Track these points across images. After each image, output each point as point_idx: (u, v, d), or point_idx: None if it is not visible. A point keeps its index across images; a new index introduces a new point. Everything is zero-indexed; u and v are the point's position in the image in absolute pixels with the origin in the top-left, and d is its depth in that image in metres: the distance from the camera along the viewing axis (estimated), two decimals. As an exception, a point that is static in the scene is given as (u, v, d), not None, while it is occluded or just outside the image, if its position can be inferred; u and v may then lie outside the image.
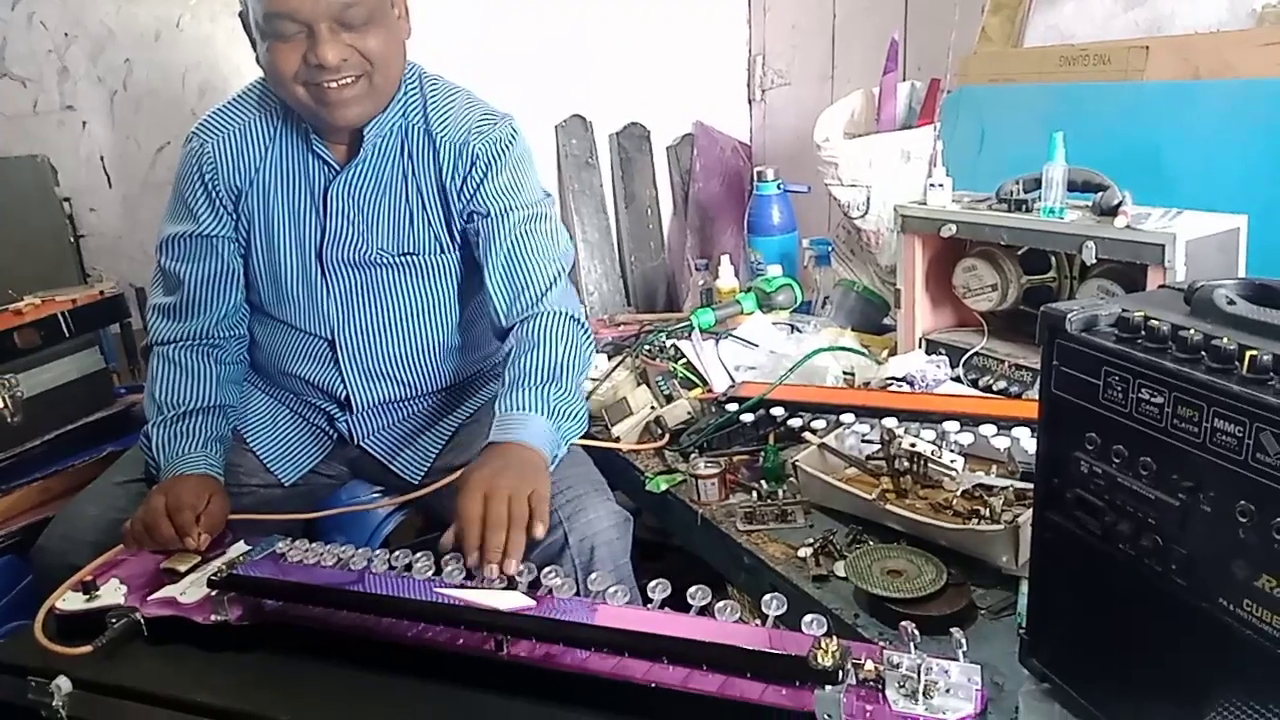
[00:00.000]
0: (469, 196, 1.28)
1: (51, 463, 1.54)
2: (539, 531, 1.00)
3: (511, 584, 0.93)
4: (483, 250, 1.28)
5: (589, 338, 1.28)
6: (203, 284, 1.31)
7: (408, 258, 1.31)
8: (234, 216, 1.30)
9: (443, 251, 1.32)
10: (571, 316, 1.25)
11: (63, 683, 0.88)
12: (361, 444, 1.38)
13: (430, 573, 0.96)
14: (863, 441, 1.32)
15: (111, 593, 0.99)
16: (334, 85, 1.17)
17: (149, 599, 0.98)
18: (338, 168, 1.28)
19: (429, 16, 2.20)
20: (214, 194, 1.29)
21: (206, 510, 1.11)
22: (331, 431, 1.39)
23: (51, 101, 2.00)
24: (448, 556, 0.98)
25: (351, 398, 1.35)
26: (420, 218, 1.30)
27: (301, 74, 1.16)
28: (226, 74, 2.10)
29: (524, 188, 1.30)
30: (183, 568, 1.03)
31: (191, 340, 1.31)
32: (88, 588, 0.99)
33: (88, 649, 0.91)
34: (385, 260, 1.30)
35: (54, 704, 0.87)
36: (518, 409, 1.14)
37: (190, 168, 1.30)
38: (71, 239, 1.91)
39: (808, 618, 0.80)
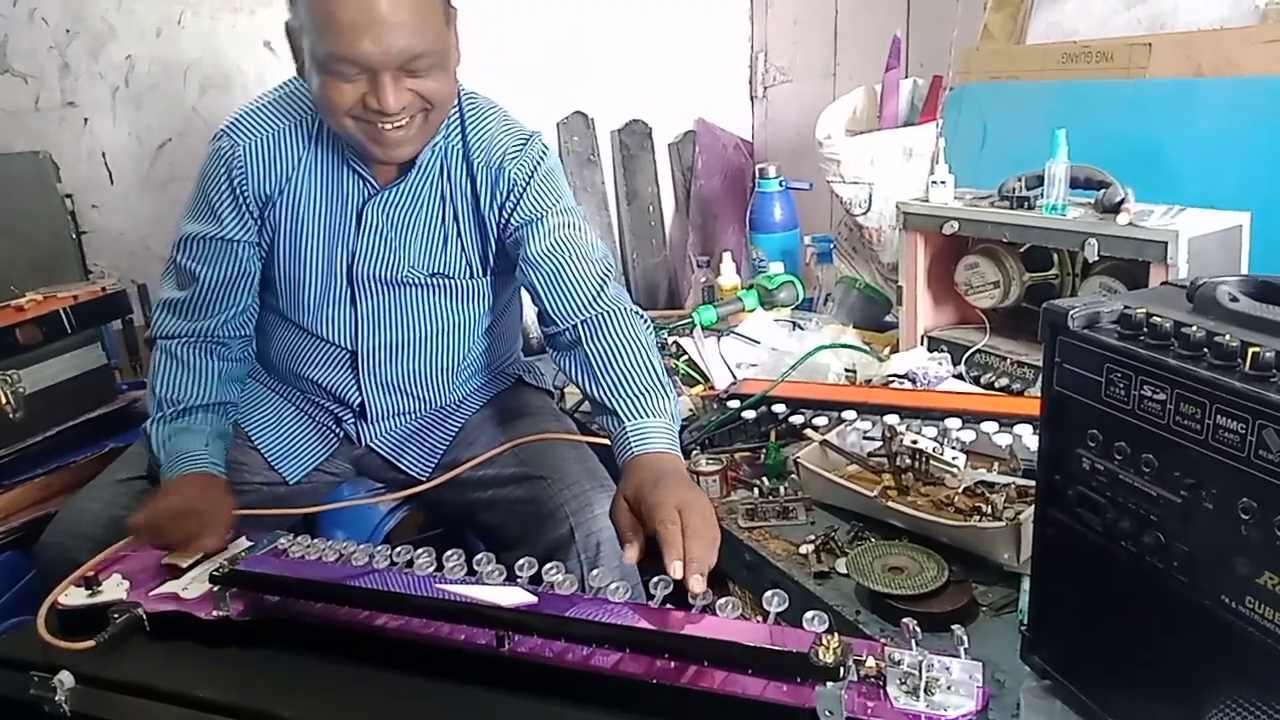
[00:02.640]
0: (506, 218, 1.27)
1: (53, 459, 1.53)
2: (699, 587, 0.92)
3: (512, 578, 0.93)
4: (524, 255, 1.25)
5: (652, 331, 1.26)
6: (217, 286, 1.28)
7: (438, 279, 1.29)
8: (258, 222, 1.27)
9: (473, 276, 1.30)
10: (635, 312, 1.24)
11: (65, 678, 0.88)
12: (370, 444, 1.38)
13: (432, 569, 0.96)
14: (864, 438, 1.32)
15: (114, 588, 0.99)
16: (389, 127, 1.12)
17: (151, 594, 0.98)
18: (376, 186, 1.25)
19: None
20: (241, 199, 1.25)
21: (214, 511, 1.10)
22: (338, 431, 1.39)
23: (53, 98, 2.00)
24: (451, 552, 0.98)
25: (367, 407, 1.35)
26: (454, 240, 1.28)
27: (357, 111, 1.11)
28: (228, 70, 2.10)
29: (558, 196, 1.28)
30: (185, 563, 1.03)
31: (196, 338, 1.29)
32: (90, 583, 0.99)
33: (90, 644, 0.91)
34: (416, 280, 1.29)
35: (56, 699, 0.87)
36: (641, 415, 1.12)
37: (218, 169, 1.25)
38: (73, 235, 1.91)
39: (809, 614, 0.80)
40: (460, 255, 1.29)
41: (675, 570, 0.90)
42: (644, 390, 1.14)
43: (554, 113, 2.50)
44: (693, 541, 0.92)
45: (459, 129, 1.26)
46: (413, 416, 1.39)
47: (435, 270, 1.29)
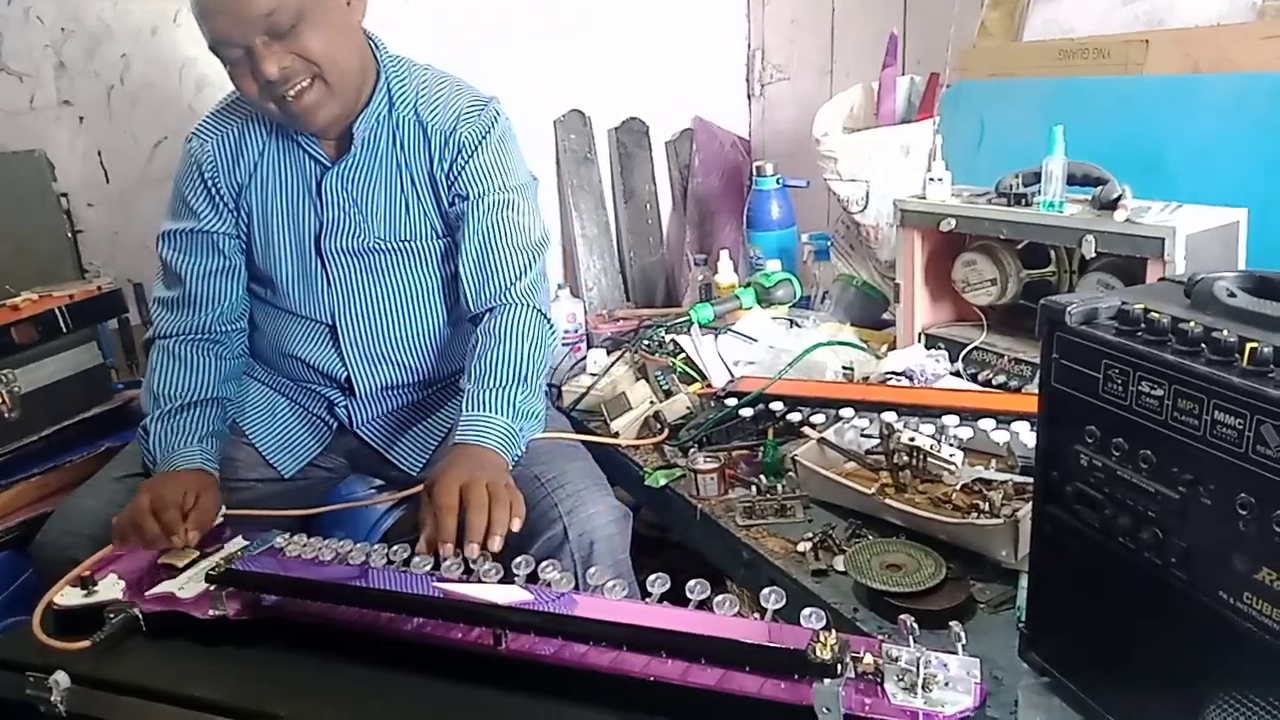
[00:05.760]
0: (453, 181, 1.30)
1: (49, 458, 1.53)
2: (517, 525, 1.02)
3: (509, 576, 0.93)
4: (459, 233, 1.30)
5: (554, 333, 1.31)
6: (203, 278, 1.33)
7: (404, 244, 1.33)
8: (235, 213, 1.33)
9: (438, 238, 1.34)
10: (538, 310, 1.27)
11: (61, 678, 0.88)
12: (359, 430, 1.39)
13: (429, 567, 0.96)
14: (862, 436, 1.32)
15: (110, 588, 0.99)
16: (290, 95, 1.18)
17: (147, 594, 0.98)
18: (328, 163, 1.30)
19: (428, 11, 2.21)
20: (214, 192, 1.32)
21: (196, 506, 1.10)
22: (331, 420, 1.40)
23: (48, 97, 1.99)
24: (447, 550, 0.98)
25: (353, 380, 1.37)
26: (415, 206, 1.32)
27: (262, 91, 1.18)
28: (222, 68, 2.09)
29: (505, 170, 1.31)
30: (181, 563, 1.03)
31: (192, 334, 1.32)
32: (86, 583, 0.99)
33: (86, 644, 0.91)
34: (382, 247, 1.33)
35: (52, 699, 0.87)
36: (483, 409, 1.15)
37: (190, 167, 1.32)
38: (69, 234, 1.90)
39: (806, 611, 0.80)
40: (423, 220, 1.32)
41: (445, 551, 0.96)
42: (501, 385, 1.17)
43: (551, 111, 2.50)
44: (472, 513, 0.99)
45: (410, 100, 1.30)
46: (400, 394, 1.40)
47: (401, 236, 1.32)
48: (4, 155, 1.87)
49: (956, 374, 1.54)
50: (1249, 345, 0.61)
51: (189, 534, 1.06)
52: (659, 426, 1.52)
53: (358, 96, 1.26)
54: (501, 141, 1.31)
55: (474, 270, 1.28)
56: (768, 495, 1.27)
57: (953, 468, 1.17)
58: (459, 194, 1.30)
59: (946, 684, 0.74)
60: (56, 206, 1.88)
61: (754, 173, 2.25)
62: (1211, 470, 0.63)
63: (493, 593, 0.90)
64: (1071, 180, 1.38)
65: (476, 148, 1.29)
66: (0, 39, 1.93)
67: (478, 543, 0.98)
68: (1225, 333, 0.62)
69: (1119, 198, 1.31)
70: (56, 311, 1.57)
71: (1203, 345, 0.63)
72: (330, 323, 1.35)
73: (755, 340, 1.73)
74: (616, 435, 1.53)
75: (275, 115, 1.22)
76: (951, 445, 1.20)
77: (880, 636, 0.84)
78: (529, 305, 1.26)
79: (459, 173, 1.29)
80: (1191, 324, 0.64)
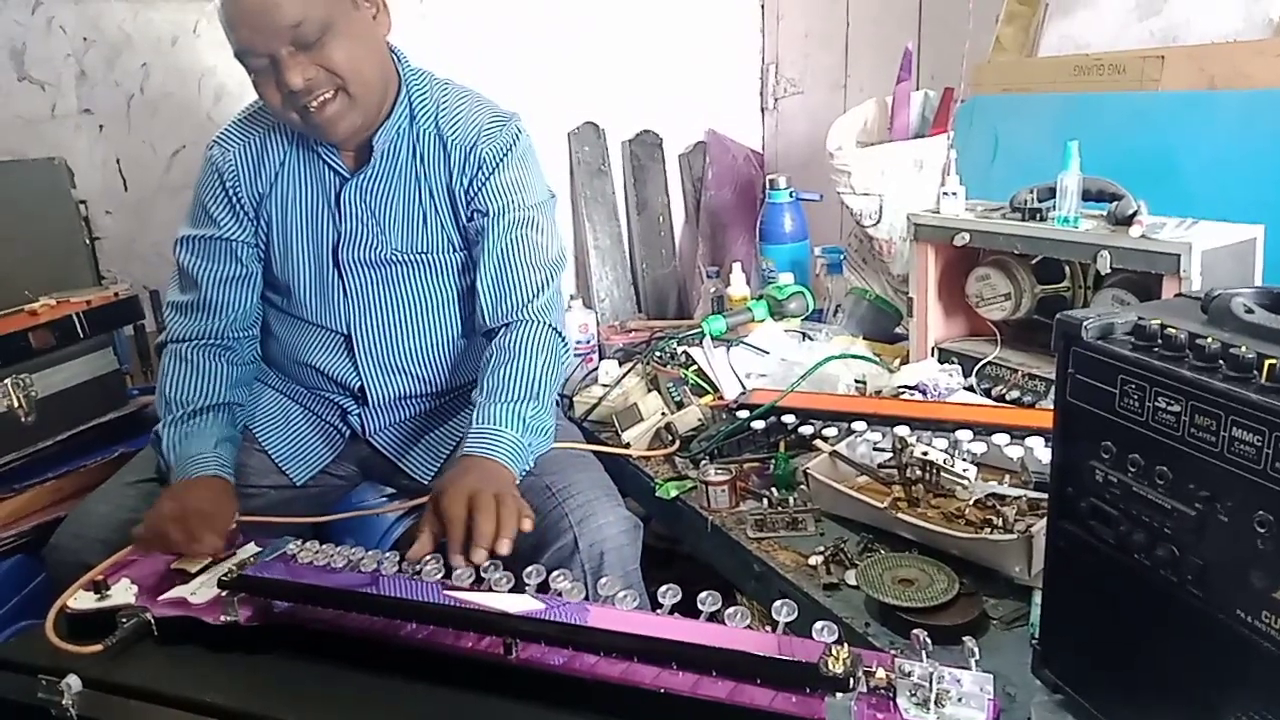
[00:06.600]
0: (473, 196, 1.31)
1: (64, 463, 1.54)
2: (527, 525, 1.03)
3: (519, 586, 0.93)
4: (478, 249, 1.31)
5: (567, 352, 1.32)
6: (219, 284, 1.33)
7: (421, 256, 1.34)
8: (254, 221, 1.34)
9: (454, 250, 1.34)
10: (552, 328, 1.28)
11: (73, 681, 0.88)
12: (372, 438, 1.40)
13: (440, 576, 0.96)
14: (874, 450, 1.31)
15: (122, 592, 0.99)
16: (313, 106, 1.19)
17: (159, 599, 0.98)
18: (347, 175, 1.31)
19: (445, 24, 2.22)
20: (235, 200, 1.33)
21: (215, 514, 1.11)
22: (343, 428, 1.41)
23: (69, 105, 2.01)
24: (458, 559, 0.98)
25: (366, 390, 1.37)
26: (433, 219, 1.32)
27: (285, 101, 1.19)
28: (241, 79, 2.08)
29: (525, 187, 1.32)
30: (193, 568, 1.03)
31: (204, 339, 1.33)
32: (99, 587, 0.99)
33: (98, 648, 0.92)
34: (399, 258, 1.33)
35: (64, 703, 0.88)
36: (494, 422, 1.16)
37: (212, 175, 1.33)
38: (87, 241, 1.92)
39: (818, 624, 0.79)
40: (440, 232, 1.33)
41: (455, 561, 0.97)
42: (513, 401, 1.18)
43: (566, 123, 2.51)
44: (480, 519, 0.99)
45: (432, 114, 1.31)
46: (413, 404, 1.40)
47: (417, 249, 1.33)
48: (25, 162, 1.89)
49: (970, 389, 1.53)
50: (1268, 362, 0.60)
51: (211, 540, 1.06)
52: (670, 438, 1.52)
53: (379, 108, 1.27)
54: (522, 159, 1.32)
55: (492, 286, 1.29)
56: (779, 508, 1.27)
57: (966, 483, 1.16)
58: (479, 210, 1.30)
59: (959, 700, 0.73)
60: (75, 213, 1.89)
61: (767, 186, 2.26)
62: (1229, 487, 0.62)
63: (503, 602, 0.89)
64: (1086, 196, 1.38)
65: (498, 165, 1.30)
66: (23, 48, 1.95)
67: (486, 548, 0.98)
68: (1243, 349, 0.62)
69: (1134, 213, 1.31)
70: (74, 317, 1.58)
71: (1220, 361, 0.63)
72: (345, 332, 1.36)
73: (767, 353, 1.72)
74: (628, 446, 1.53)
75: (297, 125, 1.23)
76: (965, 460, 1.19)
77: (892, 651, 0.83)
78: (544, 323, 1.27)
79: (479, 189, 1.30)
80: (1209, 340, 0.64)
